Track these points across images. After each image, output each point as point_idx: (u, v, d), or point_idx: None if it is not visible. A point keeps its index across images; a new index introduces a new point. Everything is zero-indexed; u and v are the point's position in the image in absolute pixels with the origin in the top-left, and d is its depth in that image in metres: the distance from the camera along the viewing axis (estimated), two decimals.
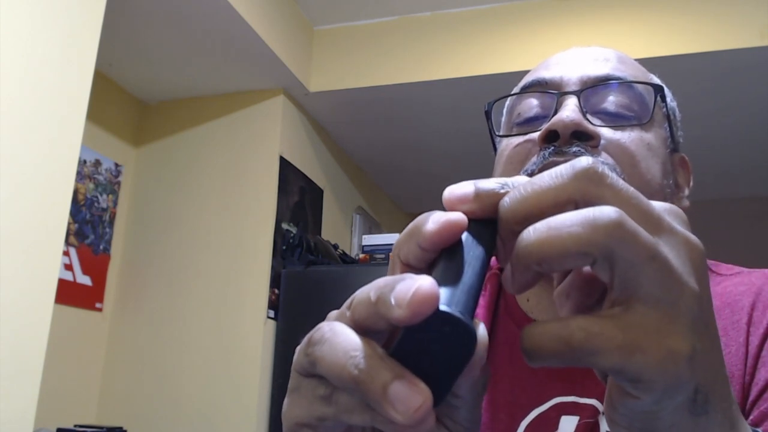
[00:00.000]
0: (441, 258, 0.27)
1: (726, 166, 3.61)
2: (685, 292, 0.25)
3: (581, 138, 0.58)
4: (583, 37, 2.68)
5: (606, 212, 0.24)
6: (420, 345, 0.25)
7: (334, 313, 0.29)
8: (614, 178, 0.26)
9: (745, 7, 2.55)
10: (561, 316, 0.26)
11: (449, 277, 0.26)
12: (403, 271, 0.29)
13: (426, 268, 0.28)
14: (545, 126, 0.59)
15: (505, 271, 0.27)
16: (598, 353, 0.24)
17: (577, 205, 0.26)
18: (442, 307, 0.24)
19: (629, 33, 2.67)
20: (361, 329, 0.27)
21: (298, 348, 0.29)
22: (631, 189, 0.26)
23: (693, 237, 0.27)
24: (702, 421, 0.28)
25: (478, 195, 0.28)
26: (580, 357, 0.24)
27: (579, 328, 0.24)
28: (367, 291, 0.26)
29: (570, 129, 0.57)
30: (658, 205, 0.28)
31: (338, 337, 0.26)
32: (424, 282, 0.24)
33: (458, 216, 0.27)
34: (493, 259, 0.30)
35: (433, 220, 0.27)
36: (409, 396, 0.24)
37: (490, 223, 0.28)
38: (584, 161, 0.26)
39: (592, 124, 0.59)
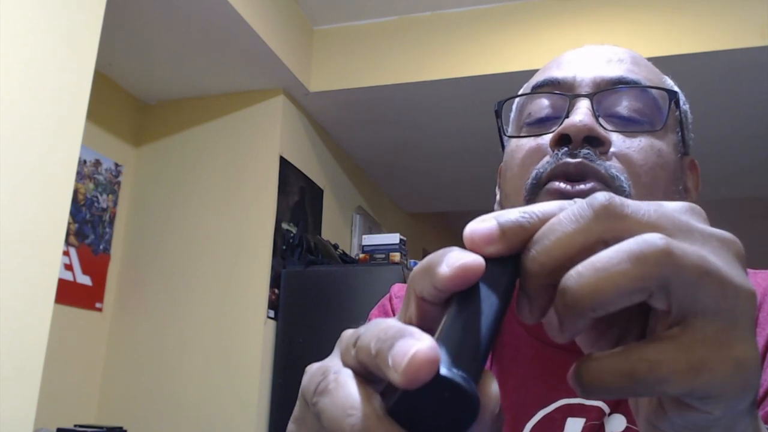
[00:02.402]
0: (453, 303, 0.26)
1: (726, 166, 3.61)
2: (740, 295, 0.24)
3: (592, 143, 0.57)
4: (583, 37, 2.68)
5: (652, 241, 0.23)
6: (419, 407, 0.24)
7: (345, 340, 0.28)
8: (633, 205, 0.25)
9: (745, 7, 2.55)
10: (617, 349, 0.25)
11: (456, 332, 0.25)
12: (417, 305, 0.27)
13: (441, 306, 0.27)
14: (557, 129, 0.58)
15: (549, 322, 0.26)
16: (664, 382, 0.23)
17: (606, 243, 0.25)
18: (443, 372, 0.23)
19: (629, 33, 2.67)
20: (366, 373, 0.26)
21: (305, 382, 0.28)
22: (651, 208, 0.25)
23: (727, 234, 0.26)
24: (749, 419, 0.27)
25: (504, 233, 0.26)
26: (647, 388, 0.23)
27: (640, 359, 0.24)
28: (369, 340, 0.25)
29: (582, 134, 0.56)
30: (677, 207, 0.27)
31: (340, 390, 0.25)
32: (423, 345, 0.23)
33: (475, 260, 0.25)
34: None
35: (448, 263, 0.25)
36: None
37: (511, 260, 0.27)
38: (601, 197, 0.25)
39: (604, 128, 0.58)
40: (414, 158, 3.74)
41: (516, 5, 2.86)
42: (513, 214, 0.27)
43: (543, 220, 0.26)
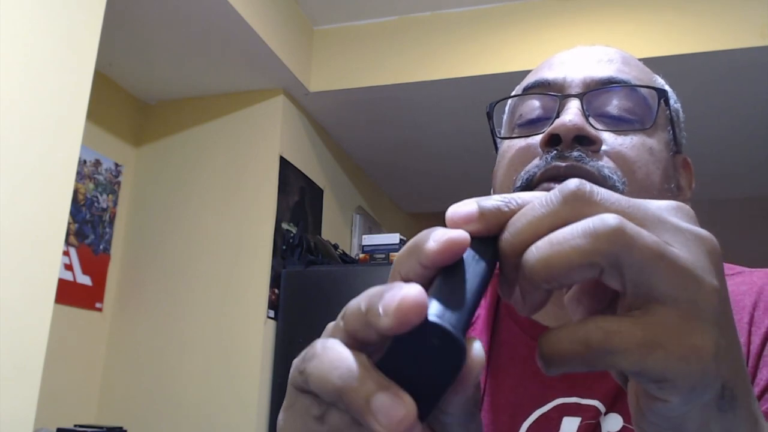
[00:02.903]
0: (440, 275, 0.27)
1: (726, 166, 3.61)
2: (702, 287, 0.25)
3: (583, 143, 0.57)
4: (582, 37, 2.68)
5: (605, 219, 0.24)
6: (408, 357, 0.24)
7: (330, 326, 0.29)
8: (604, 193, 0.26)
9: (745, 7, 2.55)
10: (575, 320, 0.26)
11: (444, 292, 0.26)
12: None
13: (427, 286, 0.27)
14: (547, 129, 0.58)
15: (514, 296, 0.27)
16: (617, 352, 0.24)
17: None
18: (431, 318, 0.24)
19: (629, 33, 2.67)
20: (354, 342, 0.27)
21: (294, 363, 0.29)
22: (624, 198, 0.26)
23: (703, 231, 0.27)
24: (729, 417, 0.27)
25: (483, 214, 0.28)
26: (600, 358, 0.24)
27: (596, 327, 0.24)
28: (358, 301, 0.26)
29: (572, 133, 0.57)
30: (661, 204, 0.28)
31: (328, 351, 0.27)
32: (412, 290, 0.24)
33: (460, 234, 0.26)
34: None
35: (435, 238, 0.26)
36: (392, 407, 0.24)
37: (492, 241, 0.28)
38: (571, 184, 0.26)
39: (594, 128, 0.58)
40: (414, 158, 3.74)
41: (516, 5, 2.86)
42: (493, 199, 0.28)
43: (521, 206, 0.28)
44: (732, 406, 0.27)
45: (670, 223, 0.26)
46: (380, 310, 0.24)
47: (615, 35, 2.67)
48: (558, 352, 0.25)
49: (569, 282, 0.25)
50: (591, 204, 0.26)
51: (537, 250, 0.25)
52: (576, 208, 0.26)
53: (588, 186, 0.26)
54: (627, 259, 0.24)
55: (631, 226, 0.24)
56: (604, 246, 0.24)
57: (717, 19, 2.58)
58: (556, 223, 0.26)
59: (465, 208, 0.28)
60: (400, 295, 0.24)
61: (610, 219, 0.24)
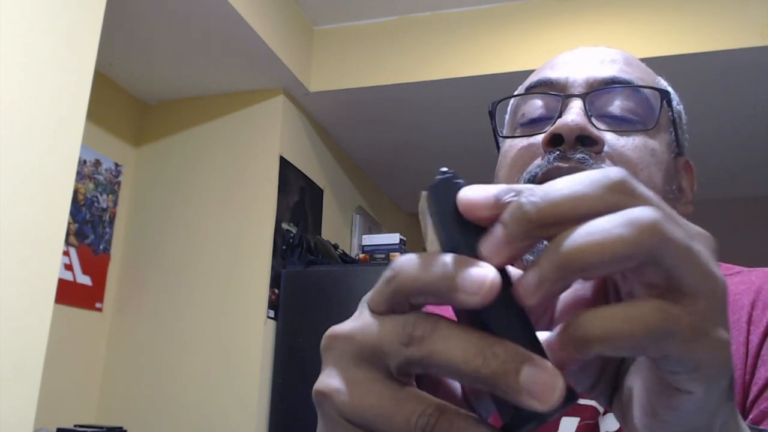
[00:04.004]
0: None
1: (726, 166, 3.61)
2: (717, 282, 0.25)
3: (585, 143, 0.57)
4: (582, 37, 2.68)
5: (646, 213, 0.24)
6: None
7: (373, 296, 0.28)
8: (644, 188, 0.26)
9: (745, 7, 2.55)
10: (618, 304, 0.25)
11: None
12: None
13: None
14: (550, 129, 0.58)
15: (525, 279, 0.25)
16: (671, 336, 0.23)
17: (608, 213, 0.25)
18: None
19: (629, 33, 2.67)
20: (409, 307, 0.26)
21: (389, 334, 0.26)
22: (656, 197, 0.26)
23: (704, 231, 0.27)
24: (730, 407, 0.28)
25: (498, 203, 0.26)
26: (654, 340, 0.23)
27: (656, 308, 0.23)
28: (429, 271, 0.25)
29: (575, 133, 0.57)
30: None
31: (447, 330, 0.25)
32: (491, 272, 0.24)
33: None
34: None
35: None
36: (544, 377, 0.24)
37: None
38: (618, 172, 0.25)
39: (596, 128, 0.58)
40: (414, 158, 3.74)
41: (516, 5, 2.86)
42: (501, 188, 0.26)
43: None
44: (731, 396, 0.28)
45: (684, 222, 0.26)
46: (464, 287, 0.24)
47: (615, 35, 2.67)
48: (610, 331, 0.23)
49: (603, 273, 0.24)
50: (634, 197, 0.25)
51: (578, 235, 0.24)
52: (621, 198, 0.25)
53: (632, 179, 0.26)
54: (664, 251, 0.24)
55: (667, 221, 0.24)
56: (645, 238, 0.23)
57: (717, 19, 2.58)
58: (597, 206, 0.24)
59: (480, 193, 0.26)
60: (485, 277, 0.24)
61: (649, 212, 0.24)
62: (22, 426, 1.42)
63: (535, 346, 0.25)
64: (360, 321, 0.28)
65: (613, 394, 0.31)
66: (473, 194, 0.26)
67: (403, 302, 0.26)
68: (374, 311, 0.27)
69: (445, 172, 0.27)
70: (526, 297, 0.25)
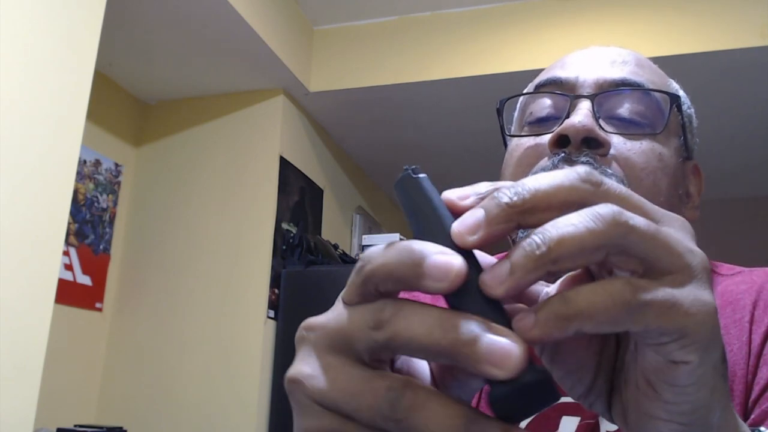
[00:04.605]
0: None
1: (726, 166, 3.61)
2: (695, 254, 0.27)
3: (591, 145, 0.57)
4: (582, 37, 2.68)
5: (606, 207, 0.25)
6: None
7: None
8: (610, 183, 0.27)
9: (745, 7, 2.55)
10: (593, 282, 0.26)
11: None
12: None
13: None
14: (557, 130, 0.58)
15: (496, 269, 0.25)
16: (648, 306, 0.25)
17: (578, 208, 0.26)
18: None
19: (629, 33, 2.67)
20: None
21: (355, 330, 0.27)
22: (623, 188, 0.28)
23: (676, 215, 0.29)
24: (727, 387, 0.29)
25: (491, 222, 0.26)
26: (630, 312, 0.25)
27: (626, 282, 0.25)
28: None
29: (581, 135, 0.56)
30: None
31: (413, 308, 0.26)
32: (457, 261, 0.25)
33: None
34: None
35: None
36: (504, 346, 0.24)
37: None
38: (586, 168, 0.27)
39: (604, 130, 0.58)
40: (414, 158, 3.73)
41: (516, 5, 2.86)
42: (483, 185, 0.28)
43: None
44: (726, 375, 0.29)
45: (658, 211, 0.28)
46: (430, 273, 0.25)
47: (615, 35, 2.66)
48: (585, 307, 0.24)
49: (573, 265, 0.25)
50: (600, 190, 0.27)
51: (547, 230, 0.25)
52: (590, 189, 0.26)
53: (598, 175, 0.27)
54: (630, 240, 0.25)
55: (627, 213, 0.26)
56: (612, 229, 0.25)
57: (717, 19, 2.58)
58: (570, 197, 0.26)
59: (470, 220, 0.26)
60: (451, 264, 0.25)
61: (609, 206, 0.25)
62: (22, 426, 1.42)
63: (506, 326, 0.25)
64: (333, 311, 0.29)
65: (611, 398, 0.31)
66: (455, 190, 0.28)
67: (373, 290, 0.27)
68: (347, 302, 0.28)
69: (406, 169, 0.29)
70: (493, 287, 0.25)
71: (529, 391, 0.24)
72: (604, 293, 0.24)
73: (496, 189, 0.27)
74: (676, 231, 0.27)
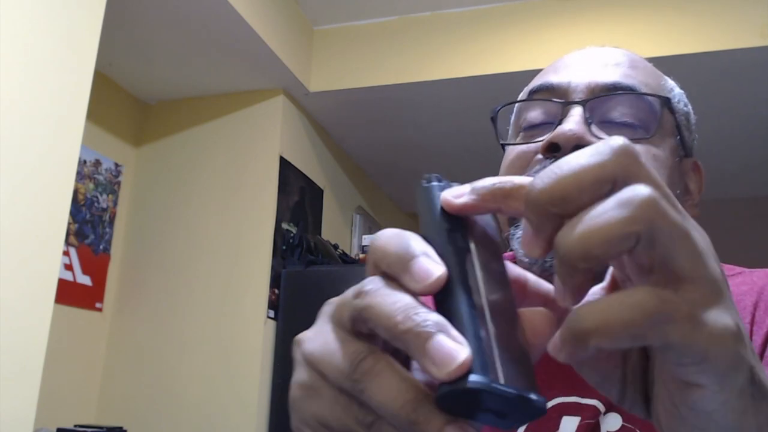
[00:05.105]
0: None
1: (726, 166, 3.61)
2: (716, 268, 0.25)
3: None
4: (582, 37, 2.68)
5: (640, 190, 0.24)
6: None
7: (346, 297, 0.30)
8: (646, 161, 0.26)
9: (745, 7, 2.55)
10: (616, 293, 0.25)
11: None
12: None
13: None
14: (547, 138, 0.59)
15: (556, 284, 0.26)
16: (671, 320, 0.23)
17: (614, 186, 0.25)
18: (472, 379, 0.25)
19: (629, 33, 2.67)
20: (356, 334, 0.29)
21: (339, 302, 0.30)
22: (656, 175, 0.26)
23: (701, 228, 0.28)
24: (764, 406, 0.27)
25: (475, 190, 0.29)
26: (653, 327, 0.23)
27: (650, 293, 0.23)
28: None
29: (572, 142, 0.57)
30: None
31: (383, 289, 0.28)
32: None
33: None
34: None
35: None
36: (451, 350, 0.25)
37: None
38: (621, 139, 0.26)
39: (595, 136, 0.58)
40: (414, 158, 3.74)
41: (516, 5, 2.86)
42: (488, 180, 0.29)
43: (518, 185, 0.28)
44: (763, 394, 0.27)
45: (681, 209, 0.26)
46: (412, 273, 0.27)
47: (615, 35, 2.66)
48: (607, 321, 0.23)
49: (606, 257, 0.24)
50: (638, 163, 0.25)
51: (571, 226, 0.24)
52: (625, 162, 0.25)
53: (634, 147, 0.26)
54: (662, 229, 0.24)
55: (664, 200, 0.24)
56: (642, 213, 0.23)
57: (717, 19, 2.58)
58: (601, 174, 0.25)
59: (457, 190, 0.29)
60: (432, 272, 0.27)
61: (645, 189, 0.24)
62: (22, 426, 1.42)
63: (477, 339, 0.25)
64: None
65: (649, 406, 0.31)
66: (451, 189, 0.30)
67: (374, 271, 0.29)
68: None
69: (425, 177, 0.30)
70: (561, 302, 0.26)
71: (469, 397, 0.24)
72: (621, 306, 0.23)
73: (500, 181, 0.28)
74: (703, 238, 0.26)
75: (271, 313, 2.76)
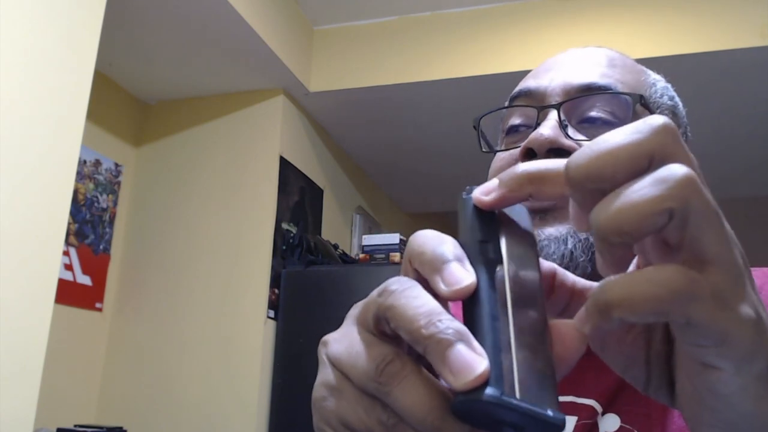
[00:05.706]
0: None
1: (726, 166, 3.61)
2: (740, 258, 0.26)
3: (560, 154, 0.57)
4: (582, 37, 2.68)
5: (677, 168, 0.24)
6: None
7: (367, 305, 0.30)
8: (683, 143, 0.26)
9: (745, 7, 2.55)
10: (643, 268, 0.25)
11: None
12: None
13: None
14: (523, 143, 0.59)
15: (596, 258, 0.27)
16: (696, 299, 0.23)
17: (651, 163, 0.25)
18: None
19: (629, 33, 2.67)
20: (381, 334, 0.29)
21: (365, 305, 0.31)
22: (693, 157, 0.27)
23: None
24: None
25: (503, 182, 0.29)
26: (680, 304, 0.23)
27: (679, 271, 0.24)
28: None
29: (545, 147, 0.57)
30: None
31: (410, 290, 0.28)
32: (467, 280, 0.27)
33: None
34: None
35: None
36: (471, 361, 0.25)
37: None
38: (661, 118, 0.26)
39: (571, 138, 0.59)
40: (414, 158, 3.74)
41: (516, 5, 2.86)
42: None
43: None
44: None
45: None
46: (442, 276, 0.28)
47: (615, 35, 2.67)
48: (633, 295, 0.23)
49: (640, 234, 0.24)
50: (677, 141, 0.25)
51: (607, 201, 0.24)
52: (664, 140, 0.25)
53: (674, 126, 0.26)
54: (696, 207, 0.24)
55: (699, 179, 0.25)
56: (677, 191, 0.23)
57: (717, 19, 2.58)
58: (637, 151, 0.25)
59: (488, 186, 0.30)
60: (462, 280, 0.27)
61: (681, 167, 0.24)
62: (22, 426, 1.42)
63: (496, 350, 0.26)
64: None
65: (673, 391, 0.31)
66: (482, 186, 0.30)
67: (408, 267, 0.30)
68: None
69: (469, 190, 0.31)
70: (601, 272, 0.27)
71: (483, 410, 0.25)
72: (648, 282, 0.23)
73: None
74: (728, 228, 0.26)
75: (271, 313, 2.76)
